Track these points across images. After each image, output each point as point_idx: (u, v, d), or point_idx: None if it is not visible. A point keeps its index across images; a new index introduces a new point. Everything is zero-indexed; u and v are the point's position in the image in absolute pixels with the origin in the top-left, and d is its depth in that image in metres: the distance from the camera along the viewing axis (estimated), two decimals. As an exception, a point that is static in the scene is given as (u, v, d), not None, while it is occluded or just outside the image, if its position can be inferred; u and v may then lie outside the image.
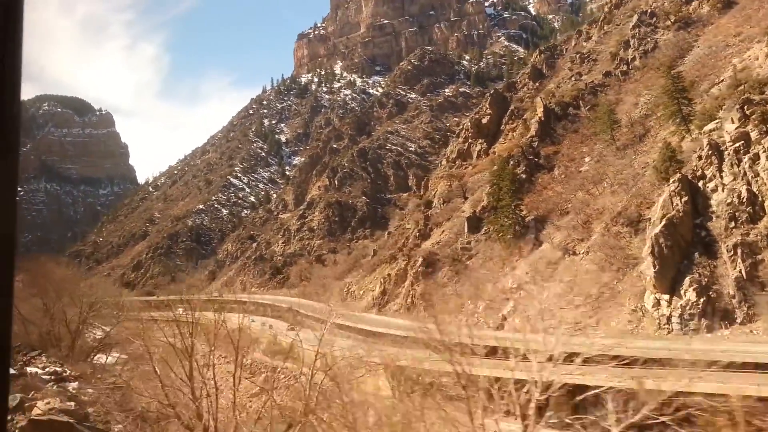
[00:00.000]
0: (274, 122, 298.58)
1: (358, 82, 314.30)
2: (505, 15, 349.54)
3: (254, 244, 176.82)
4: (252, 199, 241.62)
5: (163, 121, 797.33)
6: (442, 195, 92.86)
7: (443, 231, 78.08)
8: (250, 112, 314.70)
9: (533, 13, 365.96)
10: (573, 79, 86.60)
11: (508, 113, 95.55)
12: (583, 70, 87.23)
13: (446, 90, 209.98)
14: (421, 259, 69.01)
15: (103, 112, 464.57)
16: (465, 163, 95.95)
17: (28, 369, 17.18)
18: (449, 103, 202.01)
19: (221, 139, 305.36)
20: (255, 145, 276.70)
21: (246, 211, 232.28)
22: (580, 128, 72.28)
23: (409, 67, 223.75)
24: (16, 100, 2.39)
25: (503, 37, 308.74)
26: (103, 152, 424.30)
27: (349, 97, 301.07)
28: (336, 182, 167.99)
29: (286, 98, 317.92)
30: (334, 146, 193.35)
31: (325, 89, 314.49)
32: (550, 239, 56.16)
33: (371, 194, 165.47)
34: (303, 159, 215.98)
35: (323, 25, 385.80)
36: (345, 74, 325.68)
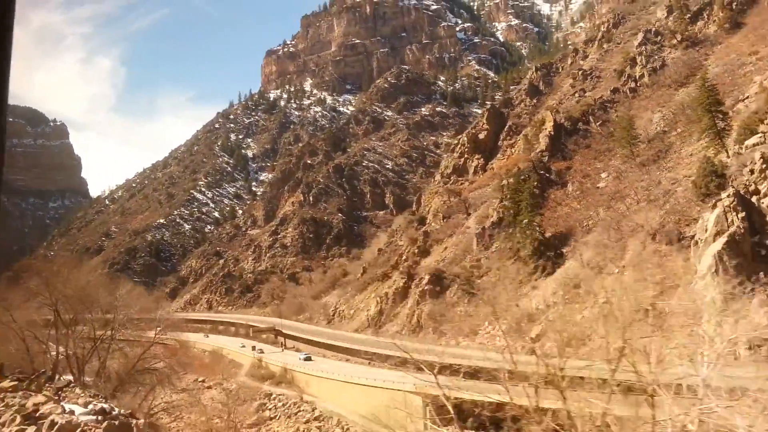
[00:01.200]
0: (240, 137, 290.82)
1: (329, 99, 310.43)
2: (476, 40, 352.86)
3: (221, 261, 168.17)
4: (216, 214, 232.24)
5: (118, 136, 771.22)
6: (438, 211, 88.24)
7: (446, 248, 73.20)
8: (216, 126, 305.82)
9: (501, 39, 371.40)
10: (577, 95, 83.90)
11: (506, 129, 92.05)
12: (586, 87, 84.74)
13: (423, 109, 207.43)
14: (427, 277, 63.78)
15: (57, 123, 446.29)
16: (462, 178, 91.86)
17: (66, 407, 11.36)
18: (426, 122, 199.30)
19: (184, 153, 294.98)
20: (221, 159, 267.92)
21: (210, 227, 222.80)
22: (592, 143, 69.20)
23: (385, 85, 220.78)
24: (3, 112, 2.52)
25: (474, 61, 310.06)
26: (55, 164, 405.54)
27: (320, 114, 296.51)
28: (311, 198, 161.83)
29: (253, 113, 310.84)
30: (308, 162, 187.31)
31: (294, 105, 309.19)
32: (577, 257, 52.00)
33: (347, 211, 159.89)
34: (273, 174, 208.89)
35: (293, 42, 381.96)
36: (315, 91, 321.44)
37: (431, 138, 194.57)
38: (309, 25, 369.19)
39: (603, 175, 63.90)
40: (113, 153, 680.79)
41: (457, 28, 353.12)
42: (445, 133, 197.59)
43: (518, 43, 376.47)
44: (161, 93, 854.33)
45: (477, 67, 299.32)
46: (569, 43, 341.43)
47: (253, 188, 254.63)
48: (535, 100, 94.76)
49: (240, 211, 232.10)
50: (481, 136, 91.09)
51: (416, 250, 76.06)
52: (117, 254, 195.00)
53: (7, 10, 2.63)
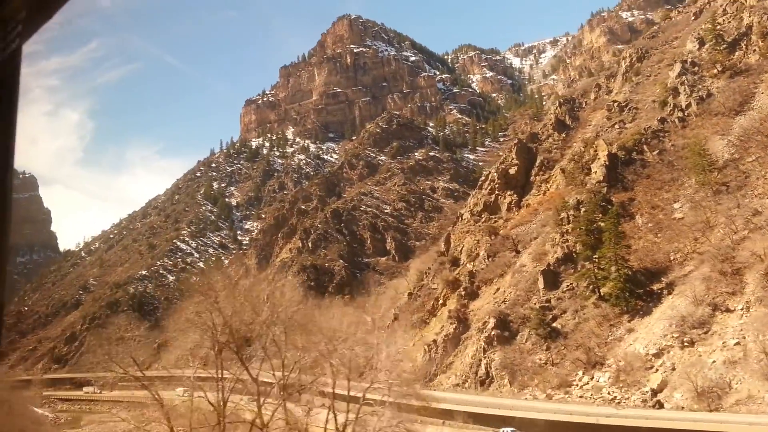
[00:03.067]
0: (223, 185, 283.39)
1: (312, 147, 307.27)
2: (455, 90, 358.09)
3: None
4: (201, 264, 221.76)
5: (85, 189, 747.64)
6: (473, 250, 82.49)
7: (498, 289, 67.02)
8: (198, 174, 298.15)
9: (477, 90, 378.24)
10: (616, 126, 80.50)
11: (537, 164, 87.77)
12: (625, 118, 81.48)
13: (416, 154, 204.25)
14: (492, 321, 57.30)
15: (27, 175, 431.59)
16: (494, 216, 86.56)
17: None
18: (420, 166, 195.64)
19: (165, 203, 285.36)
20: (204, 208, 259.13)
21: (196, 278, 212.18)
22: (652, 173, 65.06)
23: (377, 130, 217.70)
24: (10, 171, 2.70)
25: (455, 110, 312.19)
26: (23, 217, 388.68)
27: (304, 161, 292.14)
28: (309, 244, 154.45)
29: (235, 161, 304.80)
30: (303, 207, 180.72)
31: (277, 153, 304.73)
32: (682, 292, 46.35)
33: (348, 258, 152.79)
34: (265, 221, 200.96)
35: (272, 92, 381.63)
36: (298, 139, 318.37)
37: (427, 182, 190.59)
38: (289, 75, 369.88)
39: (676, 205, 59.33)
40: (80, 206, 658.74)
41: (436, 79, 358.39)
42: (440, 178, 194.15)
43: (494, 94, 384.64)
44: (130, 146, 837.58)
45: (458, 115, 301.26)
46: (544, 94, 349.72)
47: (239, 237, 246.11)
48: (563, 134, 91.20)
49: (226, 261, 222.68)
50: (512, 171, 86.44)
51: (462, 293, 69.60)
52: (97, 308, 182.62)
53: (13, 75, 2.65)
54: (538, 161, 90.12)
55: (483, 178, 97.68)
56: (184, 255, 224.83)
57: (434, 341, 66.68)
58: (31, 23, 2.61)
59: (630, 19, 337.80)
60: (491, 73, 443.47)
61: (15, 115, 2.60)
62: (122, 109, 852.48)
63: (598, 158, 69.50)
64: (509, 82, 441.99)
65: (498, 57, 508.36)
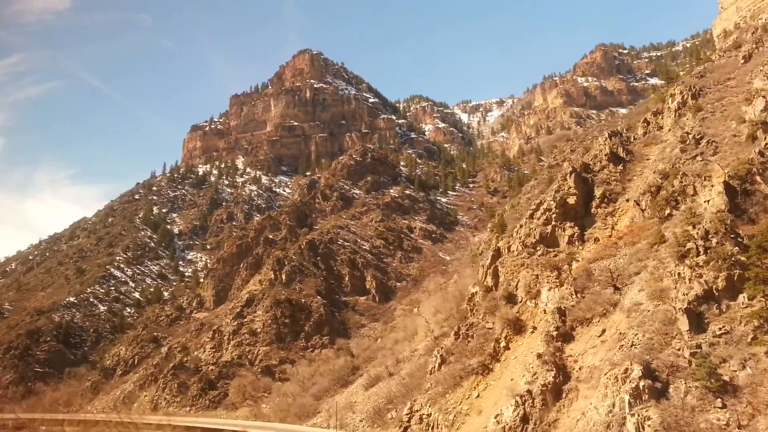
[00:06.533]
0: (165, 210, 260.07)
1: (264, 179, 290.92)
2: (412, 135, 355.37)
3: (163, 349, 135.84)
4: (137, 295, 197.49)
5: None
6: (531, 286, 70.42)
7: (605, 330, 54.97)
8: (136, 197, 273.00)
9: (430, 139, 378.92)
10: (698, 159, 72.35)
11: (598, 195, 78.02)
12: (704, 151, 73.77)
13: (391, 191, 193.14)
14: (639, 369, 44.77)
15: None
16: (552, 249, 75.48)
17: None
18: (396, 204, 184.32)
19: (96, 224, 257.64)
20: (142, 233, 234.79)
21: (129, 309, 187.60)
22: (779, 205, 56.72)
23: (351, 162, 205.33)
24: None
25: (413, 155, 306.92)
26: None
27: (255, 192, 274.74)
28: (283, 276, 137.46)
29: (180, 187, 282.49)
30: (270, 237, 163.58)
31: (227, 182, 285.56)
32: None
33: (326, 294, 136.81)
34: (223, 250, 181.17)
35: (220, 120, 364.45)
36: (249, 170, 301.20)
37: (404, 221, 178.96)
38: (242, 104, 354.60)
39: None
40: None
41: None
42: (417, 218, 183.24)
43: (446, 145, 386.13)
44: (40, 166, 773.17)
45: (418, 159, 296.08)
46: (494, 150, 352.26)
47: (180, 267, 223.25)
48: (621, 167, 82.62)
49: (165, 293, 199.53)
50: (570, 201, 75.72)
51: (554, 333, 56.78)
52: (14, 337, 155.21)
53: None
54: (599, 193, 79.96)
55: (533, 207, 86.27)
56: (118, 283, 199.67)
57: (528, 392, 52.76)
58: None
59: (585, 84, 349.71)
60: (443, 125, 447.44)
61: None
62: (36, 128, 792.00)
63: (712, 187, 60.13)
64: (460, 135, 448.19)
65: (448, 110, 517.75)
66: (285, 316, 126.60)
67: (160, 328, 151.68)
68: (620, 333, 53.16)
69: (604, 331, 56.02)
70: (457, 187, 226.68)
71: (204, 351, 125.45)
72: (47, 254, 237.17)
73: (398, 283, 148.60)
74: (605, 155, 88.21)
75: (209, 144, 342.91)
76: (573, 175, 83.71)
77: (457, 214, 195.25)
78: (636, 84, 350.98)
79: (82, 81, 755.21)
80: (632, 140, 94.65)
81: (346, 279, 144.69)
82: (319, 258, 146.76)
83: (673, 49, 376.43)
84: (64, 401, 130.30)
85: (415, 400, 69.43)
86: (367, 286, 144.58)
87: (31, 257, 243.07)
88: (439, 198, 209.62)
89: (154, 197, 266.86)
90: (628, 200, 73.98)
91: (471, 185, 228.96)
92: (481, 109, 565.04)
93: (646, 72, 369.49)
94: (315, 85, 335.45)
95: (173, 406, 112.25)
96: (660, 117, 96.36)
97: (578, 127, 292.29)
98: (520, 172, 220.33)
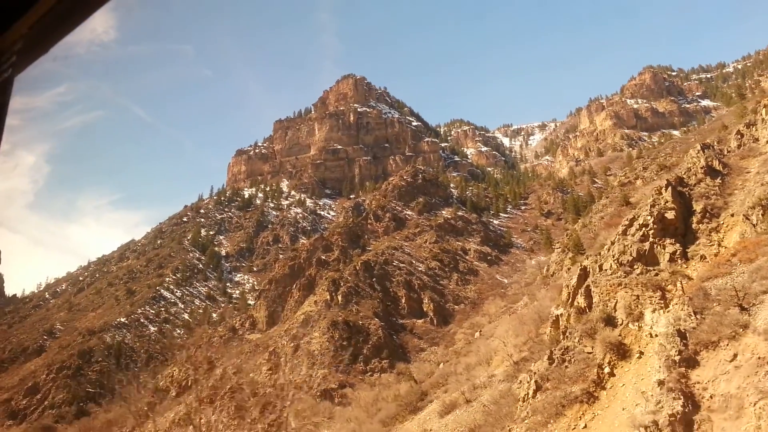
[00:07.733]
0: (212, 233, 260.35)
1: (308, 202, 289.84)
2: (456, 158, 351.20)
3: (218, 371, 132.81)
4: (186, 316, 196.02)
5: (31, 234, 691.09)
6: (632, 307, 64.11)
7: (737, 355, 48.82)
8: (185, 219, 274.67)
9: (473, 162, 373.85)
10: (814, 167, 66.04)
11: (699, 210, 71.46)
12: (820, 160, 67.41)
13: (444, 212, 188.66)
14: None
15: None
16: (652, 268, 69.28)
17: None
18: (450, 225, 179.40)
19: (145, 246, 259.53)
20: (191, 255, 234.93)
21: (179, 330, 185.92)
22: None
23: (402, 183, 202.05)
24: None
25: (458, 178, 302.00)
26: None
27: (300, 215, 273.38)
28: (339, 298, 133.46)
29: (226, 209, 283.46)
30: (322, 257, 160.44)
31: (272, 205, 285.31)
32: None
33: (384, 316, 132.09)
34: (275, 271, 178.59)
35: (264, 144, 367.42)
36: (293, 193, 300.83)
37: (458, 243, 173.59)
38: (287, 128, 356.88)
39: None
40: (22, 252, 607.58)
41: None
42: (471, 240, 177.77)
43: (489, 168, 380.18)
44: (83, 193, 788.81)
45: (467, 182, 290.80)
46: (539, 173, 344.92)
47: (228, 289, 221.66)
48: (719, 180, 76.31)
49: (214, 314, 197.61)
50: (669, 215, 69.08)
51: (677, 359, 50.45)
52: (66, 357, 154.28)
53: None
54: (699, 207, 73.38)
55: (626, 222, 79.70)
56: (167, 304, 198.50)
57: (654, 422, 46.49)
58: (26, 55, 2.55)
59: (635, 105, 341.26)
60: (486, 148, 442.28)
61: None
62: (81, 156, 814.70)
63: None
64: (502, 158, 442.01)
65: (489, 134, 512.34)
66: (342, 339, 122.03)
67: (212, 349, 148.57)
68: (759, 357, 46.95)
69: (735, 355, 49.68)
70: (508, 209, 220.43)
71: (260, 373, 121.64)
72: (97, 275, 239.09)
73: (456, 306, 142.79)
74: (701, 168, 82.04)
75: (254, 168, 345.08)
76: (669, 188, 77.54)
77: (511, 236, 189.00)
78: (688, 105, 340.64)
79: (126, 110, 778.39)
80: (726, 153, 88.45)
81: (403, 301, 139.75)
82: (374, 279, 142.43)
83: (724, 71, 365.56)
84: (119, 423, 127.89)
85: (510, 430, 63.60)
86: (425, 309, 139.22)
87: (81, 278, 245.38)
88: (491, 220, 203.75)
89: (202, 219, 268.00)
90: (733, 215, 68.00)
91: (522, 207, 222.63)
92: (522, 133, 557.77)
93: (697, 93, 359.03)
94: (359, 109, 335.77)
95: (230, 429, 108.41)
96: (754, 128, 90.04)
97: (630, 149, 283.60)
98: (574, 193, 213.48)
